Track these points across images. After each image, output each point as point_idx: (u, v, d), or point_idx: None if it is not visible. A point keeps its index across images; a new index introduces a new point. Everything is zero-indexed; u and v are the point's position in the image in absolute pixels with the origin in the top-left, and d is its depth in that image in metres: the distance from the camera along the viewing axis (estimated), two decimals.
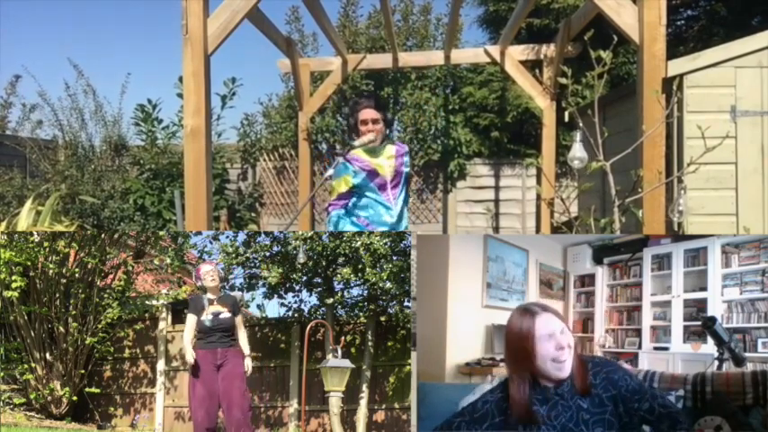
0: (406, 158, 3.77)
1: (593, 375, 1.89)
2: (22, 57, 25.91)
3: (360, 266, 4.54)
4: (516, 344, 1.85)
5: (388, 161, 3.67)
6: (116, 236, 5.17)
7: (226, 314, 3.55)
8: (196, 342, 3.55)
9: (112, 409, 5.28)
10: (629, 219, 3.17)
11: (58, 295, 4.81)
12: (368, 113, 3.61)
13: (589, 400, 1.86)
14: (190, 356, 3.48)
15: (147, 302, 5.20)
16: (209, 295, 3.60)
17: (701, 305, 5.08)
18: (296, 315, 4.98)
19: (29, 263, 4.66)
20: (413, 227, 9.03)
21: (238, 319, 3.60)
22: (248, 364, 3.59)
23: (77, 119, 9.74)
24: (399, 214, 3.72)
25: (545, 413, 1.84)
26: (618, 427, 1.85)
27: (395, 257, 4.50)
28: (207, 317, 3.52)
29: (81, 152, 9.68)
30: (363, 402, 4.64)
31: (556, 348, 1.81)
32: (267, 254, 4.84)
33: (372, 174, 3.63)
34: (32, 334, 4.78)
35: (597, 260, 6.02)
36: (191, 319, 3.57)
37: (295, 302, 4.98)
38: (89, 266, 4.86)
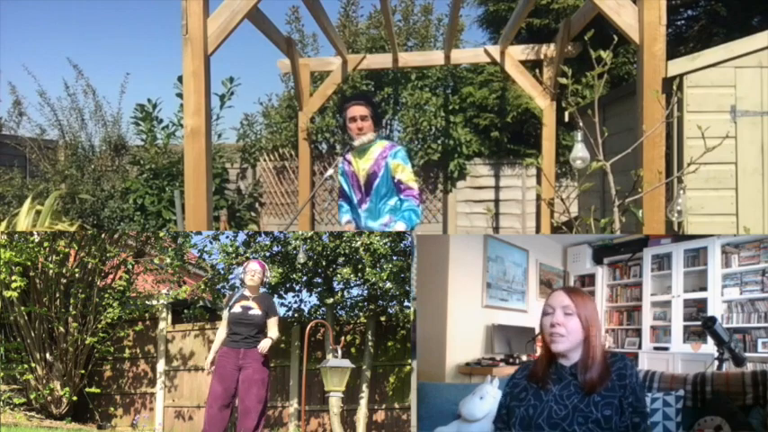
0: (391, 159, 3.64)
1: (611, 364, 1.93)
2: (22, 56, 25.91)
3: (360, 266, 4.54)
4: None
5: (365, 163, 3.66)
6: (116, 236, 5.17)
7: (256, 311, 3.56)
8: (225, 338, 3.57)
9: (112, 409, 5.29)
10: (629, 219, 3.17)
11: (58, 295, 4.82)
12: (355, 110, 3.61)
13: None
14: (209, 362, 3.55)
15: (147, 302, 5.21)
16: (246, 292, 3.63)
17: (701, 305, 5.08)
18: (296, 315, 4.99)
19: (29, 263, 4.66)
20: None
21: (271, 321, 3.59)
22: (267, 343, 3.56)
23: (77, 119, 9.76)
24: (370, 215, 3.72)
25: (557, 392, 1.90)
26: (619, 413, 1.86)
27: (395, 257, 4.50)
28: (237, 308, 3.55)
29: (81, 152, 9.68)
30: (363, 402, 4.64)
31: (549, 325, 1.89)
32: (267, 254, 4.84)
33: (352, 176, 3.66)
34: (32, 334, 4.78)
35: (597, 260, 6.01)
36: (224, 315, 3.62)
37: (295, 302, 5.00)
38: (89, 266, 4.87)
